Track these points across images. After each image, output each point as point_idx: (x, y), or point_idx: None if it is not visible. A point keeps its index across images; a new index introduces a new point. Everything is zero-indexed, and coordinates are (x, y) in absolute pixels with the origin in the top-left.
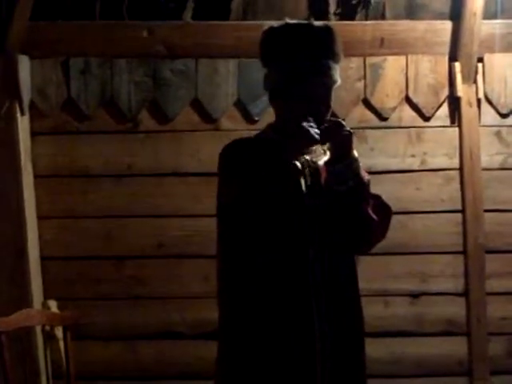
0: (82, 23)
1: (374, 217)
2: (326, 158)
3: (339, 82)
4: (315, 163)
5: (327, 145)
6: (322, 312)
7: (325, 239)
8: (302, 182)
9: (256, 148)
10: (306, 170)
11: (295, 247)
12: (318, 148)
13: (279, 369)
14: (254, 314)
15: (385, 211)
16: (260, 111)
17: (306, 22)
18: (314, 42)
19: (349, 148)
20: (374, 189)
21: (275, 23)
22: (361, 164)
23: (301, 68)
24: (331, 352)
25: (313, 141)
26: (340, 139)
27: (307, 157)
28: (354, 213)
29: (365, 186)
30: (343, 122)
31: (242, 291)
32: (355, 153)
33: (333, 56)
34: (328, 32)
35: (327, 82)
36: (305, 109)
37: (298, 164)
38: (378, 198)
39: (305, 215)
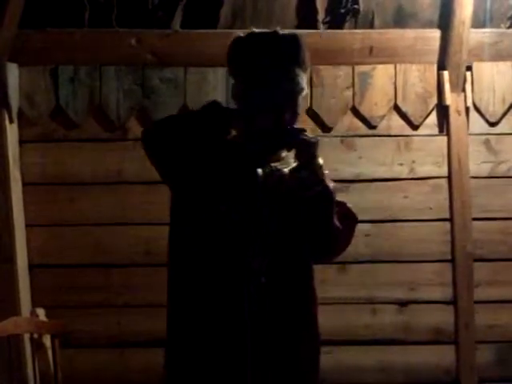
0: (71, 31)
1: (339, 224)
2: (293, 165)
3: (306, 90)
4: (279, 170)
5: (294, 152)
6: (257, 339)
7: (274, 251)
8: (260, 189)
9: (220, 150)
10: (269, 178)
11: (237, 258)
12: (286, 156)
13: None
14: (189, 330)
15: (349, 219)
16: None
17: (271, 30)
18: (279, 50)
19: (313, 155)
20: (363, 197)
21: (242, 33)
22: (326, 172)
23: (267, 76)
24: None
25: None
26: (304, 146)
27: (273, 164)
28: (318, 220)
29: (330, 193)
30: (306, 130)
31: (181, 303)
32: (320, 160)
33: (299, 64)
34: (294, 40)
35: (294, 90)
36: (271, 117)
37: (260, 171)
38: (343, 205)
39: (255, 225)
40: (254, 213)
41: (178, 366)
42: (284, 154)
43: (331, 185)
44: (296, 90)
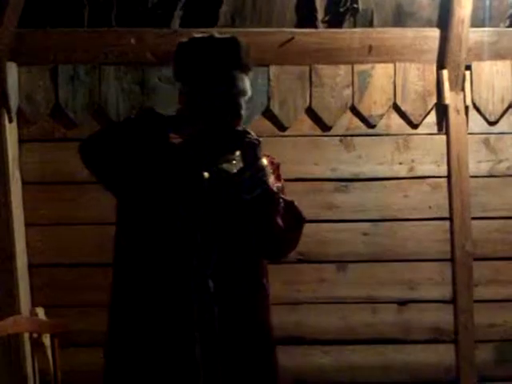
0: (71, 30)
1: (282, 224)
2: (241, 166)
3: (250, 92)
4: (226, 172)
5: (239, 153)
6: (206, 338)
7: (225, 249)
8: (206, 190)
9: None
10: (214, 179)
11: (184, 257)
12: (235, 157)
13: None
14: (132, 332)
15: (295, 219)
16: (247, 118)
17: (209, 35)
18: (217, 54)
19: (256, 156)
20: (362, 196)
21: (184, 39)
22: (270, 172)
23: (206, 80)
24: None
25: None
26: (248, 148)
27: (221, 166)
28: (261, 221)
29: (272, 194)
30: (250, 131)
31: (124, 303)
32: (264, 161)
33: (239, 66)
34: (232, 43)
35: (233, 93)
36: (213, 120)
37: (206, 174)
38: (290, 205)
39: (202, 225)
40: (200, 215)
41: (118, 373)
42: (233, 155)
43: (276, 185)
44: (235, 92)
